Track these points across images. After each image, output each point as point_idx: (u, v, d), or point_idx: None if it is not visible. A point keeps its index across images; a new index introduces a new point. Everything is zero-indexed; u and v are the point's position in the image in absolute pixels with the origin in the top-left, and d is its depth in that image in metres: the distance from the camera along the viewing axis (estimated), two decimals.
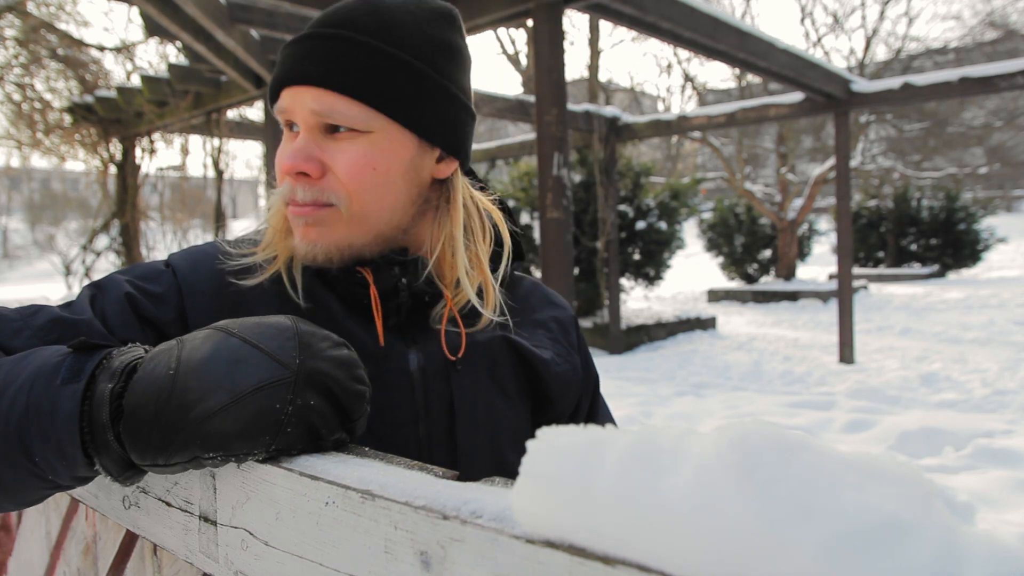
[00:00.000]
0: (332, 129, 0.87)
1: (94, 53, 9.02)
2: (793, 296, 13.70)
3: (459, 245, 0.94)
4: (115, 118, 8.56)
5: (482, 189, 1.05)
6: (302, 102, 0.86)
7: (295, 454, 0.64)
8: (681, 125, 8.73)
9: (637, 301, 13.13)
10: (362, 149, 0.88)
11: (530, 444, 0.42)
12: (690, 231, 16.12)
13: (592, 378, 1.12)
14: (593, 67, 15.36)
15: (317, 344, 0.67)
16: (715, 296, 14.79)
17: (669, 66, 25.07)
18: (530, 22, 5.11)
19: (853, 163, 15.23)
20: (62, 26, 9.07)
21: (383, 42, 0.87)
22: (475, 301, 0.94)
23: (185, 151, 9.91)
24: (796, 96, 7.66)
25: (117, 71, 16.47)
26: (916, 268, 18.19)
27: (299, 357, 0.64)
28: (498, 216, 1.02)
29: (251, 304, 0.91)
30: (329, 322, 0.90)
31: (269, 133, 6.25)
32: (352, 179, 0.88)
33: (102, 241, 10.33)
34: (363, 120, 0.87)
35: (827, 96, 7.32)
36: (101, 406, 0.63)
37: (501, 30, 17.44)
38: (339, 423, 0.66)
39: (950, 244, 18.37)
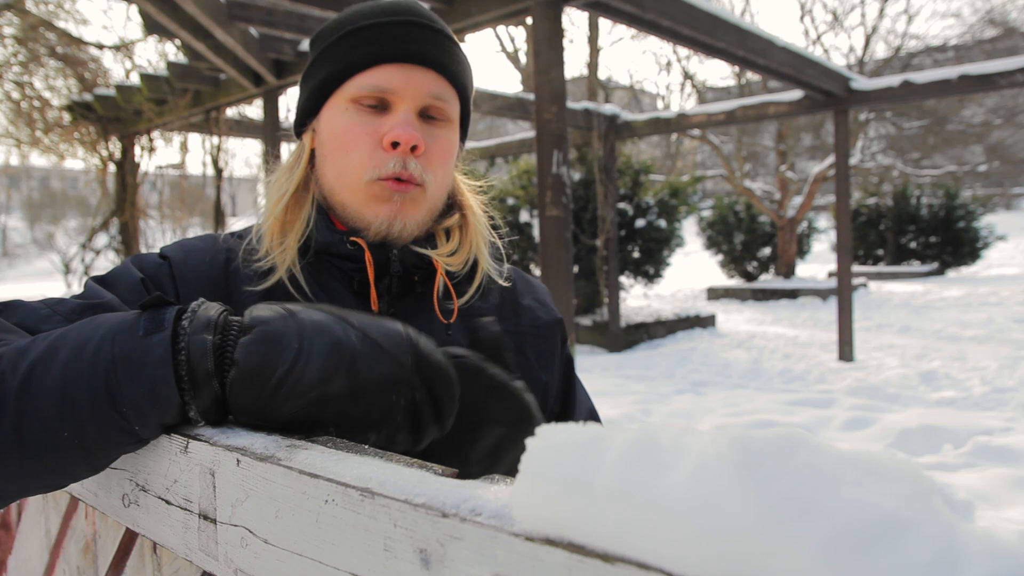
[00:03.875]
0: (425, 114, 0.94)
1: (93, 51, 9.01)
2: (792, 294, 13.70)
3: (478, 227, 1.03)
4: (114, 116, 8.55)
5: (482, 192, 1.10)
6: (419, 82, 0.92)
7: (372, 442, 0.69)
8: (680, 123, 8.73)
9: (636, 299, 13.14)
10: (449, 137, 0.97)
11: (529, 442, 0.42)
12: (689, 229, 16.13)
13: (566, 360, 1.14)
14: (592, 65, 15.35)
15: (424, 347, 0.73)
16: (714, 294, 14.79)
17: (668, 64, 25.11)
18: (529, 20, 5.10)
19: (852, 161, 15.24)
20: (61, 24, 9.06)
21: (456, 41, 0.97)
22: (490, 265, 1.03)
23: (184, 149, 9.92)
24: (795, 94, 7.66)
25: (116, 69, 16.47)
26: (915, 266, 18.20)
27: (412, 358, 0.71)
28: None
29: (242, 295, 0.94)
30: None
31: (268, 131, 6.25)
32: (441, 163, 0.95)
33: (101, 239, 10.33)
34: (455, 112, 0.97)
35: (826, 94, 7.32)
36: (204, 357, 0.67)
37: (500, 28, 17.43)
38: (434, 417, 0.73)
39: (949, 242, 18.38)
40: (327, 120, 0.95)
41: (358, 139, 0.91)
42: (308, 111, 0.98)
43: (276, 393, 0.66)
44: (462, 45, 0.98)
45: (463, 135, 1.03)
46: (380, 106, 0.92)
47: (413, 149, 0.90)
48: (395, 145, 0.90)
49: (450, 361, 0.76)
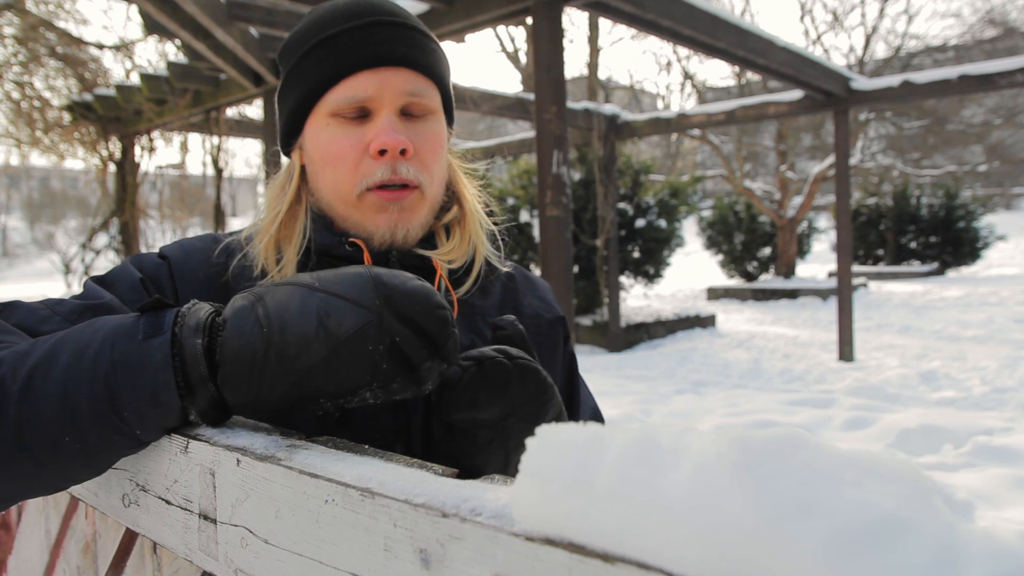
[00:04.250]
0: (405, 112, 0.92)
1: (93, 51, 9.01)
2: (792, 294, 13.70)
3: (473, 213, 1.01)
4: (114, 116, 8.55)
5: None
6: (394, 83, 0.90)
7: (375, 395, 0.68)
8: (680, 123, 8.73)
9: (637, 299, 13.14)
10: (436, 129, 0.95)
11: (529, 442, 0.42)
12: (690, 229, 16.13)
13: (568, 358, 1.13)
14: (592, 65, 15.35)
15: (392, 282, 0.69)
16: (714, 294, 14.79)
17: (668, 64, 25.12)
18: (529, 20, 5.11)
19: (852, 161, 15.24)
20: (61, 24, 9.06)
21: (424, 31, 0.95)
22: (489, 251, 1.02)
23: (184, 149, 9.92)
24: (796, 94, 7.66)
25: (116, 69, 16.48)
26: (915, 266, 18.20)
27: (378, 298, 0.67)
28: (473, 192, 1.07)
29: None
30: None
31: (268, 131, 6.25)
32: (434, 159, 0.94)
33: (101, 239, 10.33)
34: (436, 102, 0.95)
35: (827, 94, 7.32)
36: (196, 362, 0.67)
37: (500, 28, 17.43)
38: (429, 351, 0.69)
39: (949, 242, 18.38)
40: (311, 137, 0.94)
41: (344, 152, 0.91)
42: (291, 131, 0.97)
43: (261, 380, 0.66)
44: (437, 39, 0.98)
45: (450, 120, 1.02)
46: (361, 114, 0.91)
47: (402, 153, 0.90)
48: (382, 152, 0.89)
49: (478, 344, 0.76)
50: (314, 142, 0.94)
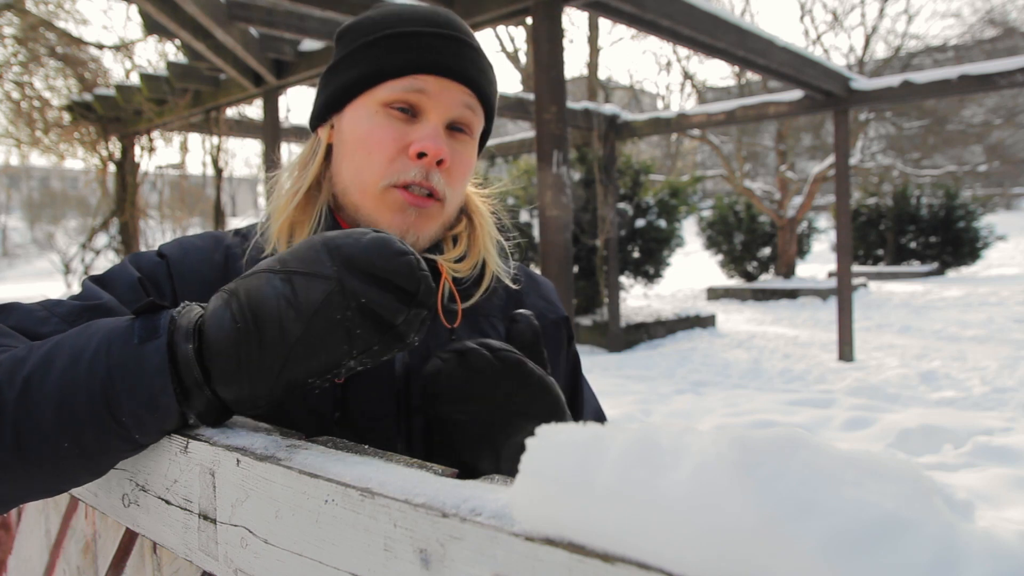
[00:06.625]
0: (452, 127, 0.94)
1: (93, 51, 9.01)
2: (792, 294, 13.70)
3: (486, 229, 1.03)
4: (114, 116, 8.55)
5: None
6: (453, 95, 0.92)
7: (359, 364, 0.67)
8: (680, 123, 8.73)
9: (637, 299, 13.14)
10: (472, 154, 0.97)
11: (529, 442, 0.42)
12: (689, 229, 16.14)
13: (571, 360, 1.13)
14: (592, 65, 15.35)
15: (346, 242, 0.67)
16: (714, 294, 14.79)
17: (668, 64, 25.12)
18: (529, 20, 5.11)
19: (852, 161, 15.24)
20: (61, 24, 9.07)
21: (489, 61, 0.99)
22: (498, 266, 1.02)
23: (184, 149, 9.93)
24: (795, 94, 7.66)
25: (116, 69, 16.48)
26: (915, 266, 18.20)
27: (334, 264, 0.65)
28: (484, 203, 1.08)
29: None
30: None
31: (268, 131, 6.25)
32: (461, 178, 0.96)
33: (101, 239, 10.34)
34: (480, 129, 0.98)
35: (826, 94, 7.32)
36: (189, 367, 0.67)
37: (500, 28, 17.42)
38: (402, 303, 0.66)
39: (949, 242, 18.38)
40: (352, 119, 0.94)
41: (383, 143, 0.91)
42: (331, 106, 0.97)
43: (249, 372, 0.66)
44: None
45: (481, 148, 1.04)
46: (410, 113, 0.92)
47: (439, 163, 0.90)
48: (420, 156, 0.90)
49: (476, 347, 0.76)
50: (354, 124, 0.94)
